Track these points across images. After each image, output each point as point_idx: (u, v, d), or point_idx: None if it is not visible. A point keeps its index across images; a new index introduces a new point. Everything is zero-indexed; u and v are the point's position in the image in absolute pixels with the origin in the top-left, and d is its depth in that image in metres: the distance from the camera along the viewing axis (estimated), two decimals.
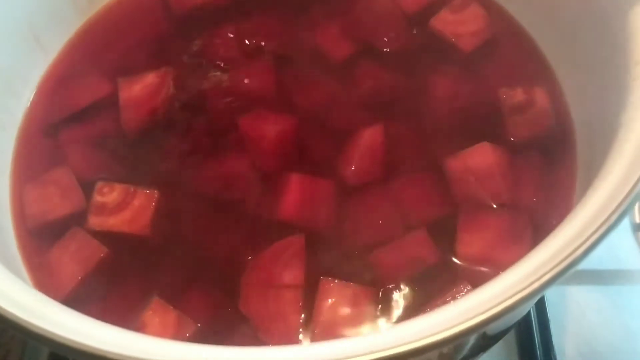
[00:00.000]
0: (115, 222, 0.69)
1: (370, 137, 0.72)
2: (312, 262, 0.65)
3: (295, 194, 0.69)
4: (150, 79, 0.79)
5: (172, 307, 0.63)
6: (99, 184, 0.71)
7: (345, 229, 0.68)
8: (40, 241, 0.69)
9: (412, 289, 0.64)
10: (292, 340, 0.61)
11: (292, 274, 0.64)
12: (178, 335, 0.62)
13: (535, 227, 0.65)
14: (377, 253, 0.66)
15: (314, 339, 0.61)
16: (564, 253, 0.46)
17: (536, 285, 0.45)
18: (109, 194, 0.70)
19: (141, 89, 0.78)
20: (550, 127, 0.73)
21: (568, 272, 0.45)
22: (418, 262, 0.65)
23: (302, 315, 0.62)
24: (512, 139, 0.72)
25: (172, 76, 0.79)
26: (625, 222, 0.90)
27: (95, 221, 0.69)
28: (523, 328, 0.81)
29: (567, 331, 0.84)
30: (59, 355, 0.78)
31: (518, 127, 0.72)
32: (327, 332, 0.60)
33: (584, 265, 0.83)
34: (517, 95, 0.74)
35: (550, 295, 0.84)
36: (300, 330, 0.61)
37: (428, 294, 0.63)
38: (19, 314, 0.46)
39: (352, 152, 0.72)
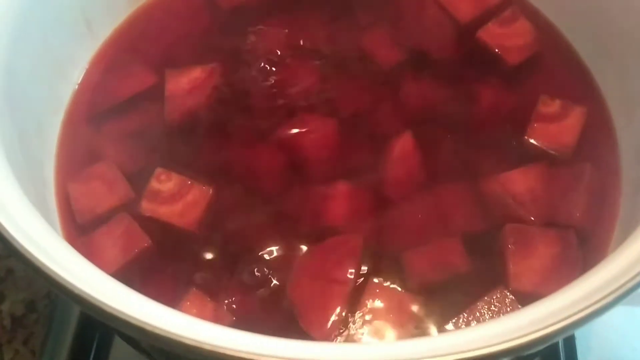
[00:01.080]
0: (165, 212, 0.69)
1: (400, 148, 0.72)
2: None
3: (342, 203, 0.69)
4: (197, 73, 0.79)
5: (209, 299, 0.64)
6: (158, 170, 0.71)
7: (386, 232, 0.68)
8: (85, 228, 0.69)
9: (449, 297, 0.64)
10: (328, 334, 0.61)
11: (343, 271, 0.64)
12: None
13: (582, 243, 0.66)
14: (409, 254, 0.66)
15: (351, 337, 0.61)
16: (614, 285, 0.46)
17: (582, 314, 0.45)
18: (165, 182, 0.70)
19: (188, 82, 0.78)
20: (567, 146, 0.72)
21: (616, 304, 0.46)
22: (448, 269, 0.65)
23: (344, 312, 0.62)
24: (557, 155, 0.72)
25: (218, 72, 0.80)
26: None
27: (147, 206, 0.69)
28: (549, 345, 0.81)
29: (592, 351, 0.84)
30: (85, 333, 0.82)
31: (535, 131, 0.73)
32: (364, 335, 0.61)
33: None
34: (554, 105, 0.74)
35: None
36: (339, 328, 0.62)
37: (465, 302, 0.63)
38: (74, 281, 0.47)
39: (386, 164, 0.72)
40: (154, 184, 0.70)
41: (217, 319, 0.63)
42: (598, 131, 0.74)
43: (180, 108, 0.77)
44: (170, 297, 0.63)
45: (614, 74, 0.75)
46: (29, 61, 0.70)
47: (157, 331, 0.44)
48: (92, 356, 0.83)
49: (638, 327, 0.86)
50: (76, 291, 0.47)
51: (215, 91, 0.78)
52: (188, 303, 0.64)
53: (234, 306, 0.64)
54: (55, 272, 0.47)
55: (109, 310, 0.46)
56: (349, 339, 0.61)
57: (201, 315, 0.63)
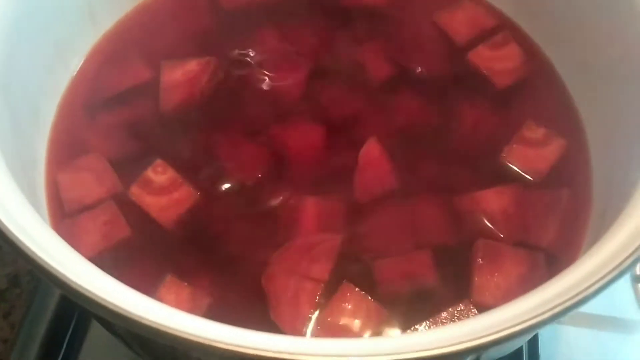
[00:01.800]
0: (149, 202, 0.71)
1: (366, 154, 0.74)
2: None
3: (313, 217, 0.71)
4: (192, 65, 0.81)
5: (185, 284, 0.66)
6: (158, 162, 0.73)
7: (360, 239, 0.70)
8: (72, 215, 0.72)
9: (415, 307, 0.66)
10: (297, 328, 0.63)
11: (319, 268, 0.67)
12: (193, 309, 0.64)
13: (549, 266, 0.68)
14: (379, 263, 0.68)
15: (318, 334, 0.63)
16: (566, 295, 0.49)
17: (534, 320, 0.47)
18: (160, 174, 0.72)
19: (182, 74, 0.80)
20: (540, 172, 0.74)
21: (566, 314, 0.48)
22: (416, 280, 0.67)
23: (314, 310, 0.65)
24: (531, 179, 0.74)
25: (214, 67, 0.82)
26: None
27: (135, 191, 0.72)
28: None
29: None
30: (64, 311, 0.84)
31: (512, 153, 0.75)
32: (329, 333, 0.63)
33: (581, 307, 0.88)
34: (537, 132, 0.76)
35: (544, 331, 0.86)
36: (307, 322, 0.64)
37: (429, 312, 0.65)
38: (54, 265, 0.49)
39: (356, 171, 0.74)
40: (149, 173, 0.72)
41: (195, 301, 0.65)
42: (575, 160, 0.75)
43: (174, 99, 0.79)
44: (146, 285, 0.64)
45: (595, 106, 0.76)
46: (29, 44, 0.72)
47: (128, 315, 0.47)
48: (69, 334, 0.85)
49: (604, 350, 0.88)
50: (54, 272, 0.49)
51: (209, 86, 0.81)
52: (165, 289, 0.66)
53: (210, 289, 0.67)
54: (36, 253, 0.49)
55: (84, 292, 0.48)
56: (316, 335, 0.63)
57: (179, 299, 0.65)
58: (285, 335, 0.50)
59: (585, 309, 0.87)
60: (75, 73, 0.81)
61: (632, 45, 0.68)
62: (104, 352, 0.83)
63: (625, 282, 0.92)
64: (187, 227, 0.71)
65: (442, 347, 0.46)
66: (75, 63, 0.82)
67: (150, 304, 0.50)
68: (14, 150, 0.65)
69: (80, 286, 0.48)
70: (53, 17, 0.76)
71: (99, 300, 0.47)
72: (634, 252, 0.51)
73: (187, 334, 0.45)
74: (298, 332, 0.63)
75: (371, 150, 0.74)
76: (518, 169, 0.74)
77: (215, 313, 0.65)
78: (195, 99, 0.80)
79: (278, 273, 0.67)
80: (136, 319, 0.46)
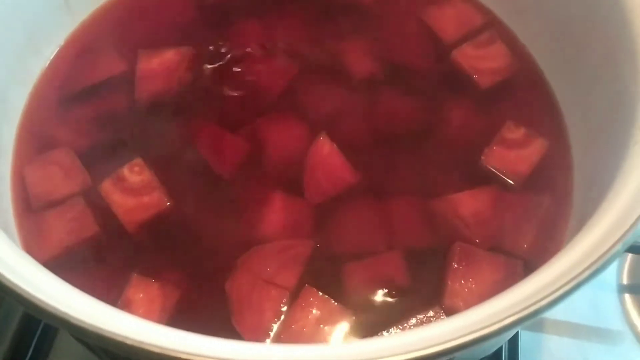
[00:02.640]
0: (116, 201, 0.69)
1: (315, 153, 0.72)
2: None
3: (279, 216, 0.69)
4: (169, 55, 0.80)
5: (152, 280, 0.64)
6: (136, 161, 0.71)
7: (332, 239, 0.68)
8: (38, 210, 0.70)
9: (384, 311, 0.64)
10: (259, 336, 0.62)
11: (285, 276, 0.65)
12: (166, 303, 0.63)
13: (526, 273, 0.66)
14: (350, 266, 0.66)
15: (279, 340, 0.61)
16: (532, 299, 0.47)
17: (499, 325, 0.46)
18: (135, 174, 0.70)
19: (159, 63, 0.79)
20: (520, 174, 0.72)
21: (532, 319, 0.46)
22: (387, 283, 0.66)
23: (277, 317, 0.63)
24: (511, 182, 0.72)
25: (191, 57, 0.80)
26: (613, 282, 0.90)
27: (106, 187, 0.70)
28: None
29: None
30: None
31: (492, 155, 0.73)
32: (292, 339, 0.61)
33: (565, 316, 0.86)
34: (517, 133, 0.75)
35: (525, 339, 0.84)
36: (270, 331, 0.62)
37: (398, 317, 0.63)
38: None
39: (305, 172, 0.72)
40: (125, 171, 0.71)
41: (165, 296, 0.64)
42: (556, 164, 0.74)
43: (149, 89, 0.78)
44: (112, 285, 0.65)
45: (578, 107, 0.75)
46: None
47: (83, 326, 0.45)
48: (37, 335, 0.83)
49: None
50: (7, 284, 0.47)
51: (186, 76, 0.79)
52: (132, 289, 0.64)
53: (179, 282, 0.65)
54: None
55: (36, 302, 0.46)
56: (277, 342, 0.61)
57: (149, 296, 0.64)
58: (249, 343, 0.49)
59: (568, 318, 0.87)
60: (48, 62, 0.80)
61: (615, 47, 0.66)
62: (73, 352, 0.81)
63: (612, 292, 0.90)
64: (151, 232, 0.69)
65: (408, 352, 0.44)
66: (49, 52, 0.80)
67: (110, 313, 0.48)
68: None
69: (32, 295, 0.46)
70: (26, 2, 0.75)
71: (52, 310, 0.46)
72: (603, 254, 0.49)
73: (146, 345, 0.44)
74: (258, 340, 0.61)
75: (320, 148, 0.72)
76: (498, 171, 0.73)
77: (185, 307, 0.64)
78: (172, 90, 0.78)
79: (243, 278, 0.65)
80: (91, 329, 0.45)
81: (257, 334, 0.62)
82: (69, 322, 0.45)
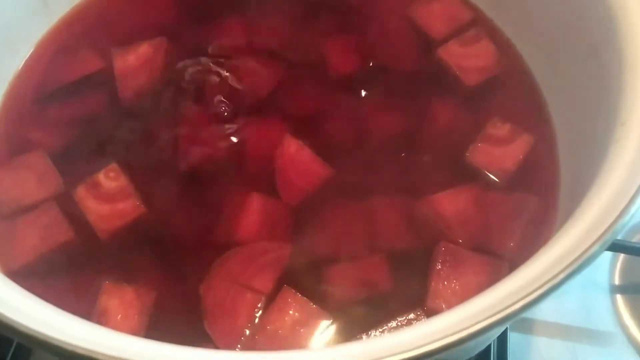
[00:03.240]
0: (90, 207, 0.68)
1: (282, 154, 0.71)
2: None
3: (254, 217, 0.68)
4: (144, 48, 0.79)
5: (125, 284, 0.63)
6: (112, 166, 0.70)
7: (312, 242, 0.67)
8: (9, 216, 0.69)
9: (364, 314, 0.63)
10: (231, 340, 0.60)
11: (261, 280, 0.64)
12: (144, 307, 0.62)
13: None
14: (331, 269, 0.65)
15: (252, 345, 0.60)
16: (511, 300, 0.46)
17: (481, 324, 0.45)
18: (111, 180, 0.69)
19: (136, 58, 0.78)
20: (506, 171, 0.71)
21: (509, 321, 0.46)
22: (369, 286, 0.64)
23: (251, 322, 0.62)
24: (496, 180, 0.71)
25: (166, 47, 0.79)
26: (604, 283, 0.89)
27: (80, 193, 0.69)
28: None
29: None
30: None
31: (477, 151, 0.72)
32: (268, 342, 0.60)
33: (555, 317, 0.85)
34: (503, 129, 0.73)
35: (514, 341, 0.83)
36: (242, 337, 0.61)
37: (379, 320, 0.62)
38: None
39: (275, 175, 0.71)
40: (100, 177, 0.69)
41: (142, 299, 0.63)
42: (542, 162, 0.72)
43: (132, 85, 0.76)
44: (87, 292, 0.63)
45: (564, 106, 0.74)
46: None
47: (52, 342, 0.43)
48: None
49: None
50: None
51: (166, 68, 0.78)
52: (105, 296, 0.63)
53: (155, 284, 0.64)
54: None
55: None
56: (250, 347, 0.60)
57: (125, 301, 0.62)
58: (225, 352, 0.48)
59: (559, 319, 0.86)
60: (24, 61, 0.79)
61: (599, 42, 0.65)
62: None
63: (604, 293, 0.89)
64: (126, 239, 0.67)
65: (387, 357, 0.43)
66: (25, 51, 0.79)
67: (77, 326, 0.47)
68: None
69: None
70: (2, 1, 0.74)
71: (22, 329, 0.44)
72: (581, 255, 0.48)
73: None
74: (230, 346, 0.60)
75: (287, 147, 0.71)
76: (483, 168, 0.71)
77: (163, 309, 0.63)
78: (156, 81, 0.77)
79: (218, 282, 0.64)
80: (59, 344, 0.43)
81: (229, 339, 0.61)
82: (36, 339, 0.44)
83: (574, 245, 0.49)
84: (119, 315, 0.62)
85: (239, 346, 0.60)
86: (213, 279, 0.64)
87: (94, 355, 0.42)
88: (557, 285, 0.46)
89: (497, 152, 0.72)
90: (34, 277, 0.53)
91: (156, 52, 0.78)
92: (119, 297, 0.63)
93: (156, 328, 0.62)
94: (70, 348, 0.42)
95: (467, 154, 0.72)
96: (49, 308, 0.48)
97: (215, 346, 0.60)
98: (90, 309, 0.62)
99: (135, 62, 0.77)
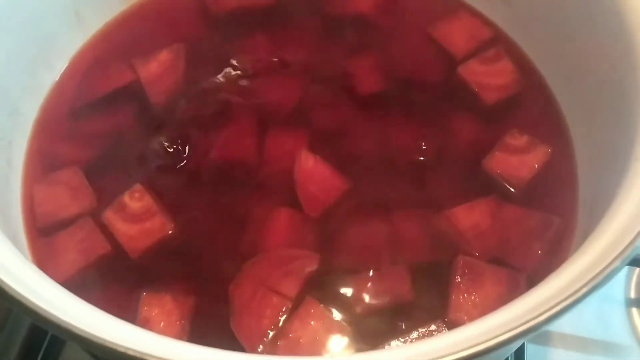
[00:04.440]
0: (120, 229, 0.69)
1: (300, 170, 0.72)
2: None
3: (282, 229, 0.70)
4: (164, 55, 0.81)
5: (163, 293, 0.65)
6: (136, 187, 0.71)
7: (336, 253, 0.69)
8: (46, 230, 0.71)
9: (386, 324, 0.64)
10: (254, 340, 0.62)
11: (288, 285, 0.65)
12: (184, 313, 0.64)
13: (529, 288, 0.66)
14: (354, 279, 0.67)
15: (274, 350, 0.62)
16: (533, 314, 0.47)
17: (503, 337, 0.46)
18: (136, 201, 0.70)
19: (158, 65, 0.81)
20: (521, 179, 0.72)
21: (532, 333, 0.47)
22: (391, 296, 0.66)
23: (275, 325, 0.63)
24: (512, 190, 0.72)
25: (186, 52, 0.82)
26: (620, 296, 0.90)
27: (108, 215, 0.70)
28: None
29: None
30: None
31: (493, 160, 0.73)
32: (289, 349, 0.61)
33: (572, 329, 0.86)
34: (521, 140, 0.75)
35: (531, 352, 0.84)
36: (265, 338, 0.62)
37: (400, 330, 0.64)
38: (17, 288, 0.48)
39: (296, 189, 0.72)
40: (126, 198, 0.71)
41: (181, 305, 0.64)
42: (561, 179, 0.74)
43: (161, 90, 0.79)
44: (127, 304, 0.65)
45: (584, 124, 0.75)
46: (9, 43, 0.72)
47: (107, 344, 0.46)
48: (49, 336, 0.84)
49: None
50: (23, 301, 0.48)
51: (192, 79, 0.80)
52: (146, 307, 0.64)
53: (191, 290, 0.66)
54: (6, 282, 0.48)
55: (59, 323, 0.47)
56: (272, 352, 0.62)
57: (165, 309, 0.64)
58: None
59: (575, 331, 0.87)
60: (59, 75, 0.81)
61: (619, 61, 0.66)
62: (84, 354, 0.81)
63: (620, 306, 0.90)
64: (156, 255, 0.69)
65: None
66: (60, 65, 0.81)
67: (128, 330, 0.49)
68: None
69: (54, 316, 0.47)
70: (36, 16, 0.76)
71: (77, 331, 0.46)
72: (602, 270, 0.49)
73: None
74: (253, 346, 0.62)
75: (305, 163, 0.73)
76: (498, 176, 0.73)
77: (202, 315, 0.65)
78: (180, 85, 0.80)
79: (246, 282, 0.65)
80: (113, 347, 0.45)
81: (253, 339, 0.62)
82: (87, 339, 0.46)
83: (596, 261, 0.50)
84: (162, 324, 0.63)
85: (261, 347, 0.62)
86: (242, 279, 0.66)
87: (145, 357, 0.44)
88: (580, 298, 0.47)
89: (514, 160, 0.73)
90: (76, 292, 0.55)
91: (176, 58, 0.81)
92: (159, 307, 0.64)
93: (198, 332, 0.64)
94: (122, 350, 0.45)
95: (484, 162, 0.73)
96: (101, 313, 0.50)
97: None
98: (132, 320, 0.62)
99: (158, 68, 0.80)
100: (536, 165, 0.73)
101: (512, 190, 0.72)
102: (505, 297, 0.65)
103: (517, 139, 0.75)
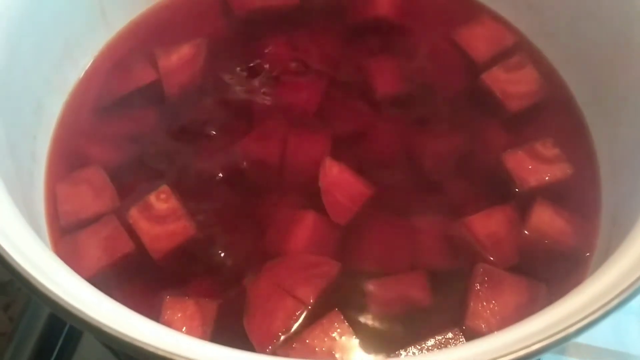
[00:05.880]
0: (144, 228, 0.69)
1: (326, 177, 0.72)
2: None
3: (306, 233, 0.70)
4: (185, 49, 0.82)
5: (186, 297, 0.65)
6: (163, 188, 0.71)
7: (356, 257, 0.69)
8: (69, 229, 0.71)
9: (403, 331, 0.65)
10: (264, 340, 0.62)
11: (306, 291, 0.65)
12: (206, 318, 0.64)
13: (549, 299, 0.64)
14: (372, 283, 0.67)
15: (288, 351, 0.62)
16: (561, 326, 0.48)
17: (525, 351, 0.46)
18: (162, 202, 0.70)
19: (178, 58, 0.81)
20: (528, 183, 0.73)
21: (560, 344, 0.47)
22: (409, 302, 0.66)
23: (287, 328, 0.63)
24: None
25: (206, 48, 0.82)
26: (636, 307, 0.90)
27: (134, 214, 0.70)
28: None
29: None
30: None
31: (512, 158, 0.74)
32: (303, 354, 0.61)
33: (587, 340, 0.86)
34: (551, 151, 0.74)
35: None
36: (276, 340, 0.62)
37: (417, 337, 0.63)
38: (45, 282, 0.49)
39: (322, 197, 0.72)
40: (152, 199, 0.71)
41: (203, 310, 0.64)
42: (583, 192, 0.73)
43: (176, 82, 0.80)
44: (150, 304, 0.64)
45: (607, 136, 0.75)
46: (36, 38, 0.72)
47: (131, 341, 0.46)
48: (66, 330, 0.85)
49: None
50: (51, 296, 0.48)
51: (212, 76, 0.81)
52: (169, 311, 0.64)
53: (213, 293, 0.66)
54: (34, 276, 0.49)
55: (86, 318, 0.47)
56: (285, 353, 0.61)
57: (187, 314, 0.64)
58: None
59: (590, 341, 0.87)
60: (84, 72, 0.82)
61: None
62: (100, 348, 0.82)
63: (634, 317, 0.90)
64: (178, 257, 0.69)
65: None
66: (85, 62, 0.82)
67: (154, 328, 0.49)
68: (12, 166, 0.65)
69: (81, 312, 0.47)
70: (62, 13, 0.76)
71: (103, 327, 0.47)
72: (632, 284, 0.50)
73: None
74: (263, 345, 0.62)
75: (330, 170, 0.73)
76: (510, 173, 0.73)
77: (224, 318, 0.64)
78: (196, 80, 0.80)
79: (264, 282, 0.65)
80: (139, 344, 0.46)
81: (263, 339, 0.62)
82: (124, 341, 0.46)
83: (621, 277, 0.51)
84: (183, 328, 0.63)
85: (270, 347, 0.62)
86: (260, 278, 0.66)
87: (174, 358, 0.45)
88: (604, 315, 0.48)
89: (531, 164, 0.74)
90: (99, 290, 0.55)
91: (197, 53, 0.82)
92: (181, 311, 0.64)
93: (220, 338, 0.63)
94: (151, 349, 0.45)
95: (503, 155, 0.74)
96: (130, 312, 0.50)
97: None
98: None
99: (178, 61, 0.81)
100: (547, 178, 0.73)
101: (517, 190, 0.73)
102: (524, 306, 0.65)
103: (548, 149, 0.75)
